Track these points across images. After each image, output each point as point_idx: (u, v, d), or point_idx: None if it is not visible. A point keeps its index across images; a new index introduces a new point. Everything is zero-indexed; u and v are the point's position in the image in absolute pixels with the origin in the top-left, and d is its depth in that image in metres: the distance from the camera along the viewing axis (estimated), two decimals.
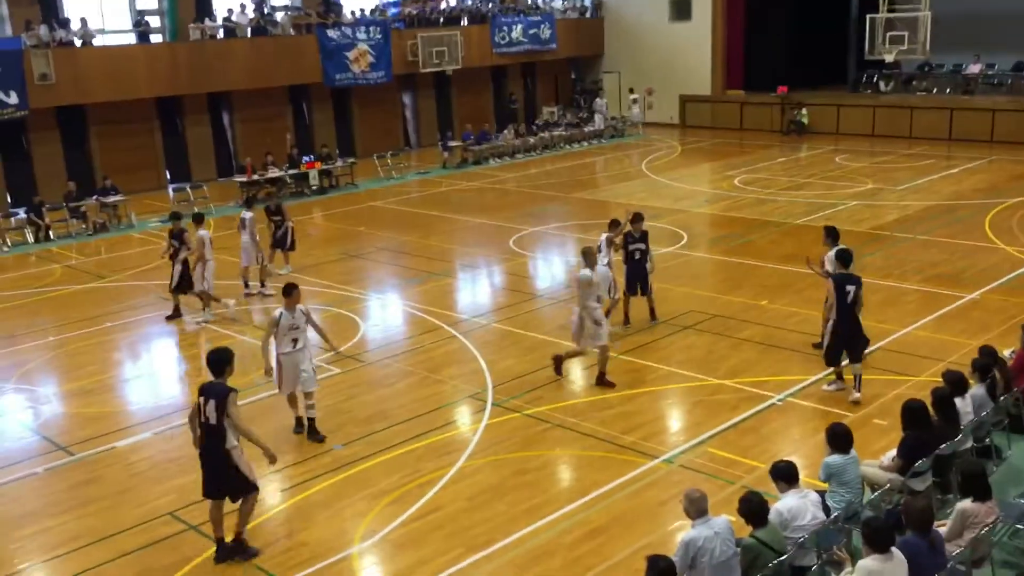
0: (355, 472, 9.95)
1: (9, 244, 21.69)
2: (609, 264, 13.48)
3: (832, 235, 12.32)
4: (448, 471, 9.84)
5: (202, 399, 8.16)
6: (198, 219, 15.55)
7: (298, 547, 8.58)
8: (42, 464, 10.54)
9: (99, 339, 14.84)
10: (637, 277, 13.75)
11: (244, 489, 8.32)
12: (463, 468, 9.91)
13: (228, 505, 8.40)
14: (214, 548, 8.47)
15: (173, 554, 8.54)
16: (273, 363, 10.51)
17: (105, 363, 13.85)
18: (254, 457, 8.51)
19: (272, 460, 8.53)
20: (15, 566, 8.50)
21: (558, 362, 12.20)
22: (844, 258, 10.99)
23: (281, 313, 10.40)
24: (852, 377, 11.04)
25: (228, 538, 8.44)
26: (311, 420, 10.78)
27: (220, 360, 8.33)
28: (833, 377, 11.29)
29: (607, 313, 13.73)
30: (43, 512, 9.47)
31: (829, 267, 11.99)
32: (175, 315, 15.44)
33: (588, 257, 11.87)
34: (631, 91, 36.22)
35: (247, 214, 16.76)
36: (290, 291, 10.53)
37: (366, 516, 9.06)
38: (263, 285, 16.68)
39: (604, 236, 13.54)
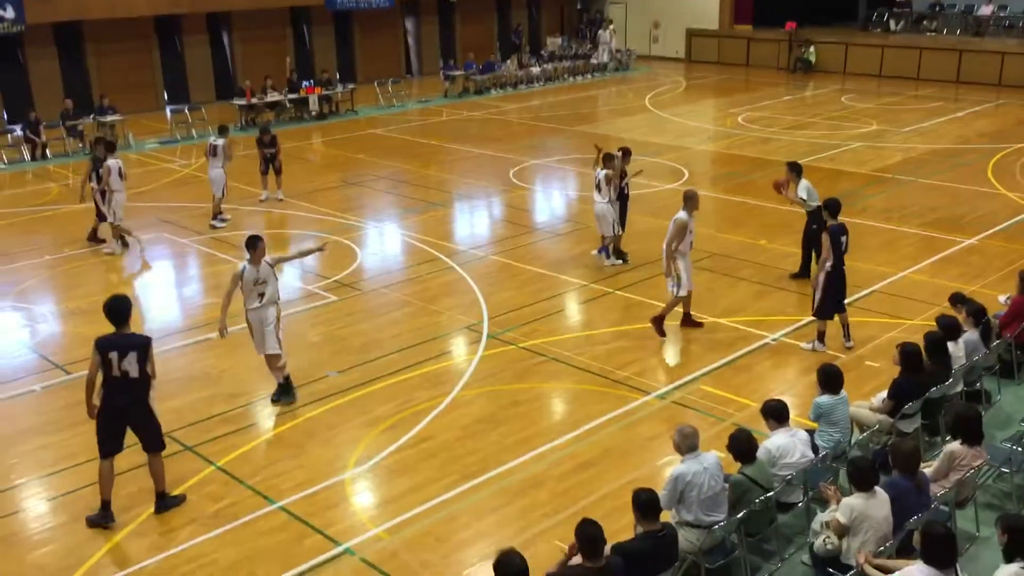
0: (350, 399, 10.03)
1: (5, 160, 21.52)
2: (610, 201, 13.44)
3: (796, 169, 12.61)
4: (442, 401, 9.92)
5: (115, 353, 7.60)
6: (109, 147, 15.07)
7: (292, 471, 8.69)
8: (39, 382, 10.61)
9: (95, 260, 14.82)
10: (625, 212, 13.97)
11: (160, 439, 8.08)
12: (457, 398, 10.00)
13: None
14: (206, 471, 8.58)
15: (169, 474, 8.58)
16: (227, 323, 9.68)
17: (102, 284, 13.84)
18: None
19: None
20: (12, 481, 8.62)
21: (659, 323, 11.37)
22: (835, 208, 10.79)
23: (244, 267, 9.60)
24: (842, 326, 10.96)
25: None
26: (280, 383, 9.97)
27: (124, 309, 7.82)
28: (814, 336, 10.91)
29: (606, 250, 13.77)
30: (40, 429, 9.56)
31: (804, 195, 12.33)
32: (92, 238, 15.30)
33: (690, 201, 11.15)
34: (605, 26, 35.56)
35: (218, 141, 16.37)
36: (254, 244, 9.63)
37: (360, 442, 9.16)
38: (214, 217, 16.40)
39: (602, 172, 13.42)
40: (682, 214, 11.10)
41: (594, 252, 14.07)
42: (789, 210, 16.13)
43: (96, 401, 7.80)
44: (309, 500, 8.23)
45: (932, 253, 14.08)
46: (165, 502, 8.15)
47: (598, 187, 13.42)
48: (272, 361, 9.87)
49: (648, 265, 13.66)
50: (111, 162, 14.68)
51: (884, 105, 26.53)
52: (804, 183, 12.49)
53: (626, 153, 13.74)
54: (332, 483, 8.50)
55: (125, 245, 15.16)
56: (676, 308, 11.47)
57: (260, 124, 18.53)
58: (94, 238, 15.35)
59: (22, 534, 7.92)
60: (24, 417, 9.84)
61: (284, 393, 9.99)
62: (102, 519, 7.95)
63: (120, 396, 7.76)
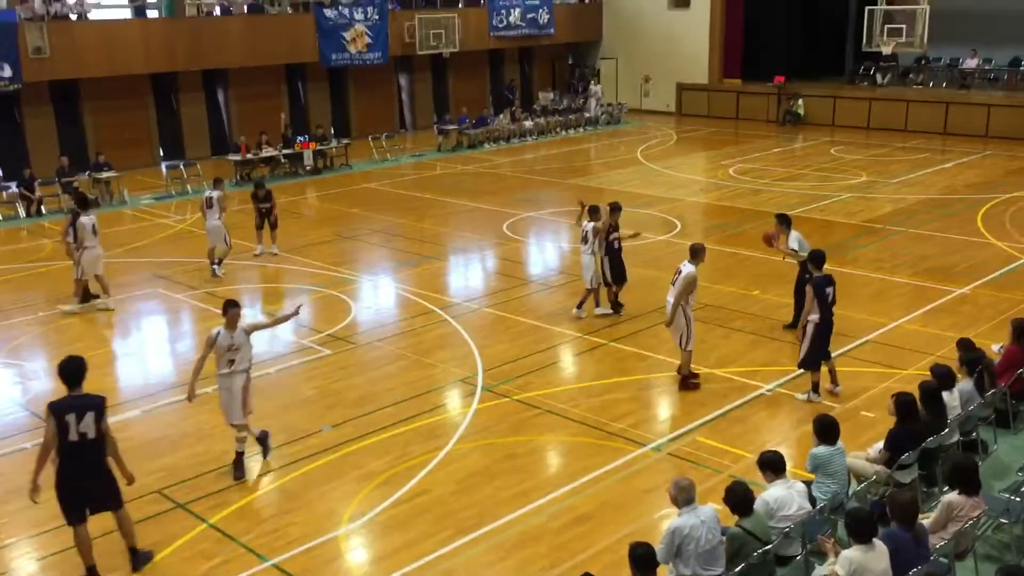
0: (344, 454, 9.96)
1: (0, 217, 21.57)
2: (593, 253, 13.51)
3: (786, 221, 12.72)
4: (437, 455, 9.86)
5: (72, 416, 7.44)
6: (81, 203, 15.20)
7: (286, 527, 8.60)
8: (30, 440, 10.50)
9: (89, 316, 14.80)
10: (621, 267, 13.82)
11: (119, 499, 7.94)
12: (452, 452, 9.94)
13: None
14: (198, 528, 8.49)
15: (160, 532, 8.55)
16: (196, 388, 9.53)
17: (95, 340, 13.81)
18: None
19: (130, 481, 8.03)
20: (1, 541, 8.50)
21: (687, 380, 11.37)
22: (819, 260, 10.87)
23: (219, 332, 9.40)
24: (829, 372, 10.99)
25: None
26: (239, 454, 9.62)
27: (79, 369, 7.71)
28: (808, 387, 10.89)
29: (581, 303, 13.77)
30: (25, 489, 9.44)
31: (795, 246, 12.41)
32: (85, 298, 15.13)
33: (700, 254, 11.24)
34: (593, 80, 36.02)
35: (214, 193, 16.53)
36: (228, 309, 9.51)
37: (354, 498, 9.08)
38: (216, 263, 16.54)
39: (590, 225, 13.54)
40: (692, 267, 11.08)
41: (574, 310, 13.98)
42: (781, 261, 16.23)
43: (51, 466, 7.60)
44: (303, 557, 8.14)
45: (924, 303, 14.14)
46: (138, 557, 8.03)
47: (584, 239, 13.56)
48: (239, 430, 9.61)
49: (642, 316, 13.69)
50: (84, 219, 14.73)
51: (873, 157, 26.83)
52: (794, 234, 12.58)
53: (614, 208, 13.75)
54: (326, 540, 8.41)
55: (84, 300, 15.00)
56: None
57: (255, 179, 18.75)
58: (88, 296, 15.26)
59: None
60: (14, 475, 9.72)
61: (264, 448, 9.86)
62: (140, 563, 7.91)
63: (78, 460, 7.58)
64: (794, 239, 12.53)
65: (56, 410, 7.51)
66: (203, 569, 8.00)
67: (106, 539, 8.37)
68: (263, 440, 9.83)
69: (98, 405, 7.64)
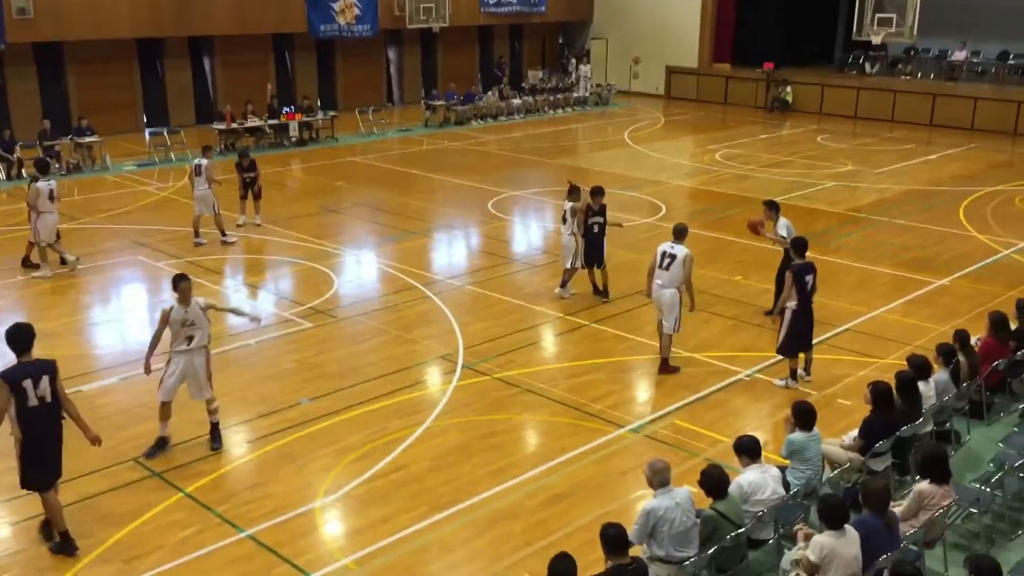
0: (322, 427, 9.96)
1: None
2: (572, 234, 13.48)
3: (774, 208, 12.76)
4: (415, 430, 9.88)
5: (28, 381, 7.41)
6: (40, 168, 15.20)
7: (262, 498, 8.60)
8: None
9: (70, 281, 14.69)
10: (595, 250, 13.60)
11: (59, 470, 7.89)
12: (430, 428, 9.96)
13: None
14: (174, 497, 8.49)
15: (135, 500, 8.54)
16: (154, 362, 9.31)
17: (73, 306, 13.72)
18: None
19: (95, 441, 8.02)
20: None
21: (667, 364, 11.42)
22: (801, 247, 10.92)
23: (172, 307, 9.23)
24: (804, 361, 11.08)
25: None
26: (214, 425, 9.59)
27: (28, 335, 7.66)
28: (787, 373, 11.00)
29: (564, 283, 13.78)
30: (5, 453, 9.36)
31: (784, 232, 12.40)
32: (26, 263, 15.12)
33: (685, 235, 11.26)
34: (583, 61, 35.89)
35: (203, 161, 16.55)
36: (178, 283, 9.32)
37: (331, 471, 9.09)
38: (224, 234, 16.64)
39: (569, 205, 13.53)
40: (686, 249, 11.13)
41: (556, 290, 14.01)
42: (764, 247, 16.28)
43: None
44: (278, 529, 8.14)
45: (904, 293, 14.24)
46: (49, 532, 7.96)
47: (563, 219, 13.54)
48: (209, 403, 9.54)
49: (625, 298, 13.72)
50: (40, 184, 14.67)
51: (859, 146, 26.92)
52: (783, 221, 12.62)
53: (595, 191, 13.53)
54: (302, 512, 8.42)
55: (63, 263, 15.02)
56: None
57: (239, 148, 18.70)
58: (28, 263, 15.16)
59: None
60: None
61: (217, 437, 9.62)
62: (64, 548, 7.81)
63: (43, 423, 7.58)
64: (782, 225, 12.56)
65: (10, 378, 7.44)
66: (178, 538, 8.00)
67: (82, 506, 8.36)
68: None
69: (51, 369, 7.63)
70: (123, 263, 15.48)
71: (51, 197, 14.66)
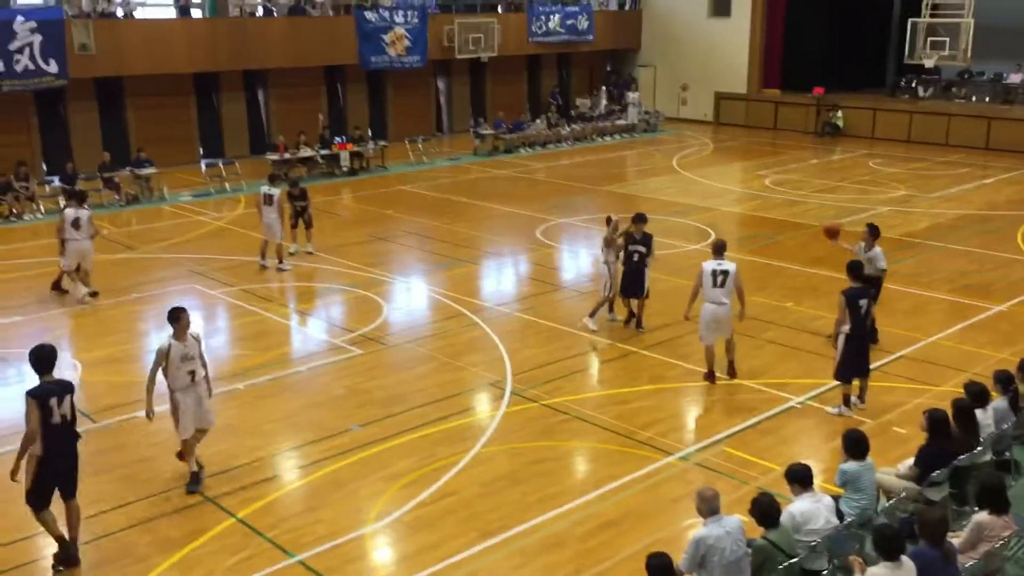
0: (371, 453, 10.03)
1: (43, 211, 21.94)
2: (607, 263, 13.32)
3: (875, 233, 12.71)
4: (464, 457, 9.90)
5: (54, 400, 7.72)
6: (72, 196, 15.76)
7: (313, 524, 8.67)
8: None
9: (127, 309, 15.03)
10: (634, 280, 13.25)
11: (77, 485, 8.16)
12: (479, 455, 9.97)
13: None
14: (226, 523, 8.60)
15: (189, 524, 8.66)
16: (155, 405, 9.09)
17: (132, 333, 14.02)
18: None
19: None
20: (35, 528, 8.63)
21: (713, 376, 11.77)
22: (855, 271, 10.79)
23: (171, 344, 9.00)
24: (859, 388, 10.93)
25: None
26: (196, 471, 9.37)
27: (52, 356, 7.95)
28: (839, 401, 10.87)
29: (593, 312, 13.64)
30: None
31: (881, 264, 12.50)
32: (56, 287, 15.61)
33: (723, 249, 11.69)
34: (628, 89, 35.92)
35: (274, 190, 16.99)
36: (177, 316, 9.09)
37: (381, 497, 9.14)
38: (281, 261, 17.02)
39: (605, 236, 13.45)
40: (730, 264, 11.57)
41: (584, 319, 13.77)
42: (816, 272, 16.14)
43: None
44: (328, 554, 8.20)
45: (961, 319, 13.96)
46: (74, 550, 8.10)
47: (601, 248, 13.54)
48: (204, 434, 9.47)
49: (672, 326, 13.64)
50: (67, 211, 15.22)
51: (912, 170, 26.54)
52: (877, 249, 12.54)
53: (638, 218, 13.29)
54: (352, 538, 8.47)
55: (54, 288, 15.55)
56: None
57: (290, 178, 19.15)
58: (57, 287, 15.63)
59: None
60: None
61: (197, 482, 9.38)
62: (63, 561, 8.01)
63: (64, 442, 7.91)
64: (878, 253, 12.50)
65: (39, 395, 7.73)
66: (230, 563, 8.09)
67: (137, 529, 8.51)
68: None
69: (72, 388, 7.99)
70: (179, 291, 15.79)
71: (75, 225, 15.03)
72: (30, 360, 7.98)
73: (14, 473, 7.82)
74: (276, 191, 16.96)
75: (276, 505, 9.06)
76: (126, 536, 8.46)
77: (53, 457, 7.84)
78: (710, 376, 11.76)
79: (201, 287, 16.06)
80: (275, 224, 16.87)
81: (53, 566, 8.07)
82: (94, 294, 15.33)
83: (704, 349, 11.83)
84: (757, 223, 20.78)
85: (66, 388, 7.91)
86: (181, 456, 9.51)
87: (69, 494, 8.10)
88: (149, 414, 9.10)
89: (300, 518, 8.80)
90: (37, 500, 7.94)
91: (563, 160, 29.28)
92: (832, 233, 13.03)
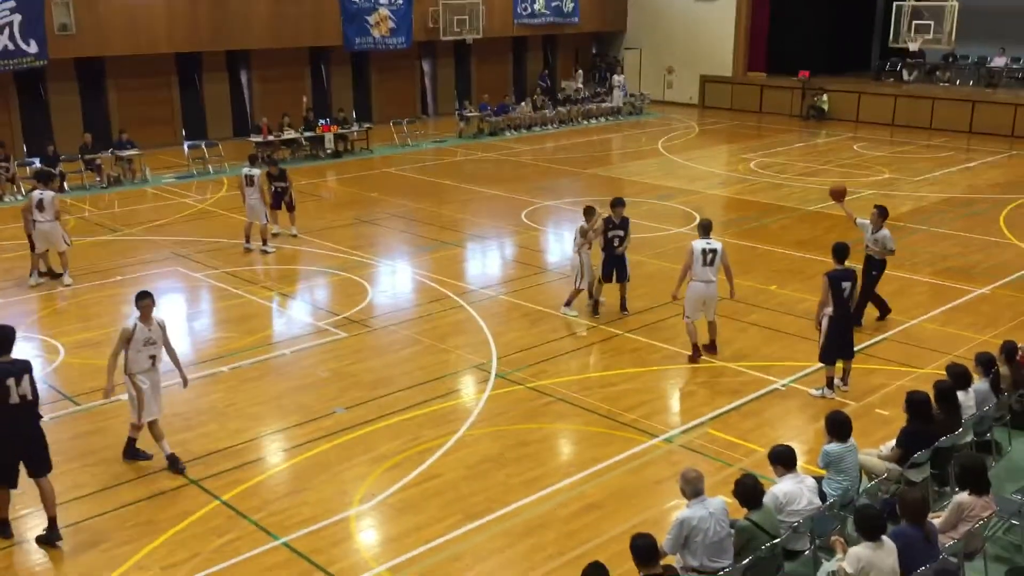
0: (356, 436, 10.02)
1: (24, 193, 21.72)
2: (577, 253, 13.24)
3: (884, 214, 12.82)
4: (449, 439, 9.90)
5: (12, 379, 7.71)
6: (39, 177, 15.54)
7: (298, 506, 8.67)
8: (48, 413, 10.58)
9: (109, 292, 14.93)
10: (614, 264, 13.30)
11: (48, 464, 8.17)
12: (464, 437, 9.98)
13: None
14: (211, 505, 8.59)
15: (173, 507, 8.65)
16: (114, 383, 9.13)
17: (114, 316, 13.91)
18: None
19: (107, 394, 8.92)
20: (17, 511, 8.60)
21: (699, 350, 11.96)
22: (839, 253, 10.80)
23: (135, 325, 8.99)
24: (842, 371, 10.98)
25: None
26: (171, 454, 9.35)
27: (9, 338, 7.93)
28: (823, 384, 10.92)
29: (568, 302, 13.57)
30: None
31: (890, 244, 12.59)
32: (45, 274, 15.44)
33: (710, 228, 11.99)
34: (614, 72, 35.86)
35: (255, 171, 16.90)
36: (142, 298, 9.12)
37: (366, 479, 9.14)
38: (264, 243, 16.94)
39: (577, 226, 13.39)
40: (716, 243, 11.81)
41: (561, 308, 13.69)
42: (800, 256, 16.20)
43: None
44: (313, 537, 8.20)
45: (943, 302, 14.05)
46: (54, 530, 8.12)
47: (575, 239, 13.36)
48: (158, 425, 9.38)
49: (658, 308, 13.67)
50: (34, 193, 15.04)
51: (896, 154, 26.63)
52: (885, 231, 12.59)
53: (616, 202, 13.30)
54: (336, 520, 8.47)
55: (40, 275, 15.27)
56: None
57: (270, 159, 19.00)
58: (51, 274, 15.46)
59: (24, 564, 7.90)
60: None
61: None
62: (48, 540, 8.06)
63: (23, 421, 7.90)
64: (887, 234, 12.58)
65: None
66: (215, 545, 8.08)
67: (121, 512, 8.49)
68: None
69: (30, 368, 7.96)
70: (162, 274, 15.70)
71: (39, 207, 14.81)
72: None
73: None
74: (256, 171, 16.89)
75: (261, 488, 9.05)
76: (110, 520, 8.43)
77: (12, 436, 7.86)
78: (695, 355, 11.85)
79: (184, 269, 15.97)
80: (257, 205, 16.79)
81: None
82: (46, 273, 15.27)
83: (687, 328, 11.93)
84: (742, 206, 20.82)
85: (24, 368, 7.89)
86: (130, 450, 9.44)
87: (37, 472, 8.08)
88: (109, 392, 9.11)
89: (285, 500, 8.80)
90: (4, 479, 8.00)
91: (548, 143, 29.22)
92: (838, 195, 13.14)
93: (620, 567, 6.93)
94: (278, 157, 22.97)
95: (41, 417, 8.17)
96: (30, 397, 7.89)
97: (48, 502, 8.12)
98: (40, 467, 8.10)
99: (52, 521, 8.13)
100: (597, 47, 39.43)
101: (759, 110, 34.54)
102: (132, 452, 9.47)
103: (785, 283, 14.90)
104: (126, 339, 9.03)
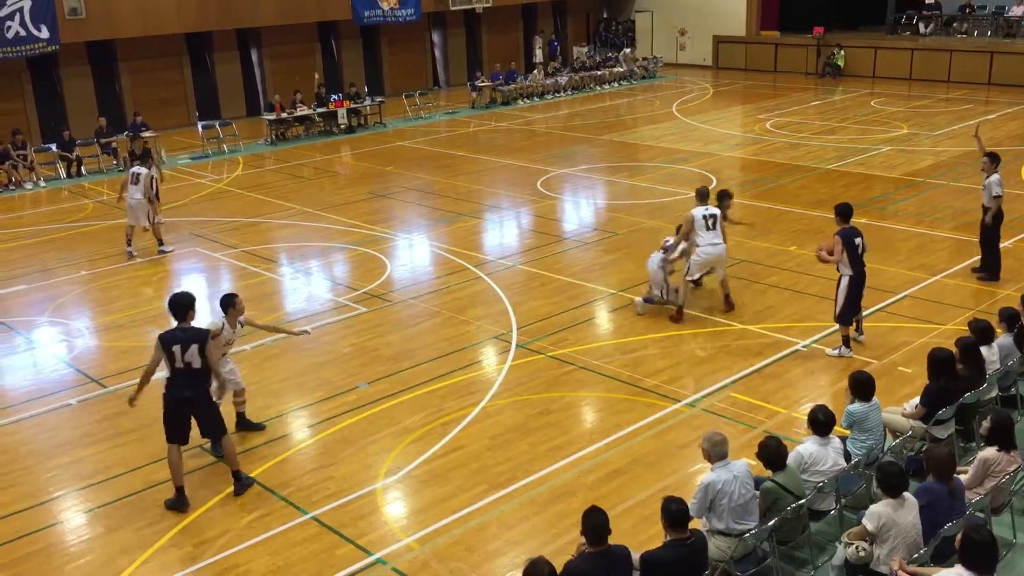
0: (380, 410, 10.09)
1: (44, 182, 21.85)
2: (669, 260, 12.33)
3: (996, 160, 12.93)
4: (472, 411, 9.96)
5: (178, 347, 8.09)
6: (131, 155, 16.50)
7: (324, 481, 8.76)
8: (75, 396, 10.77)
9: (130, 274, 15.04)
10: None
11: (223, 429, 8.58)
12: (486, 408, 10.03)
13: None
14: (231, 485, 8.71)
15: (202, 485, 8.75)
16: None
17: (137, 298, 14.04)
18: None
19: (221, 395, 9.00)
20: (51, 494, 8.75)
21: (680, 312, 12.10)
22: (845, 212, 10.70)
23: (224, 326, 9.26)
24: (856, 322, 10.99)
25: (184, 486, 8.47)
26: (241, 414, 9.74)
27: (185, 303, 8.32)
28: (840, 343, 10.85)
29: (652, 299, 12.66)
30: (77, 442, 9.71)
31: (997, 190, 12.71)
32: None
33: (708, 196, 12.14)
34: (624, 47, 35.49)
35: (141, 169, 15.71)
36: (232, 302, 9.31)
37: (391, 453, 9.21)
38: (161, 243, 16.01)
39: (670, 240, 12.48)
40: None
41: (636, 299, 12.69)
42: (819, 215, 16.08)
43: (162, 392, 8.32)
44: (341, 510, 8.29)
45: (965, 257, 13.92)
46: (242, 482, 8.58)
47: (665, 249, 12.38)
48: (240, 394, 9.68)
49: (676, 274, 13.62)
50: (133, 169, 15.93)
51: (914, 108, 26.31)
52: (996, 176, 12.69)
53: (723, 195, 12.68)
54: (363, 493, 8.56)
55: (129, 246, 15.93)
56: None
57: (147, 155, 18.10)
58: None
59: (59, 546, 8.04)
60: (61, 430, 10.00)
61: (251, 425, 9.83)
62: (178, 504, 8.37)
63: (184, 387, 8.21)
64: (996, 181, 12.69)
65: (164, 341, 8.19)
66: (245, 521, 8.19)
67: (152, 491, 8.61)
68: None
69: (202, 338, 8.21)
70: (182, 255, 15.79)
71: (135, 180, 15.52)
72: (168, 306, 8.43)
73: (131, 398, 8.54)
74: (144, 171, 15.65)
75: (287, 464, 9.14)
76: (141, 499, 8.54)
77: (174, 400, 8.26)
78: (679, 316, 12.04)
79: (204, 250, 16.05)
80: (138, 207, 15.49)
81: (166, 501, 8.41)
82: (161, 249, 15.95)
83: (683, 287, 12.09)
84: (759, 167, 20.65)
85: (193, 337, 8.17)
86: (242, 422, 9.77)
87: (209, 435, 8.65)
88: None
89: (312, 476, 8.89)
90: (167, 434, 8.40)
91: (562, 110, 29.05)
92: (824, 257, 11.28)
93: (645, 532, 6.99)
94: (294, 134, 22.86)
95: (209, 384, 8.39)
96: (196, 366, 8.15)
97: (228, 458, 8.62)
98: (209, 431, 8.52)
99: (235, 474, 8.60)
100: (608, 11, 39.04)
101: (774, 69, 34.17)
102: (244, 423, 9.74)
103: (804, 243, 14.80)
104: (216, 340, 8.94)
